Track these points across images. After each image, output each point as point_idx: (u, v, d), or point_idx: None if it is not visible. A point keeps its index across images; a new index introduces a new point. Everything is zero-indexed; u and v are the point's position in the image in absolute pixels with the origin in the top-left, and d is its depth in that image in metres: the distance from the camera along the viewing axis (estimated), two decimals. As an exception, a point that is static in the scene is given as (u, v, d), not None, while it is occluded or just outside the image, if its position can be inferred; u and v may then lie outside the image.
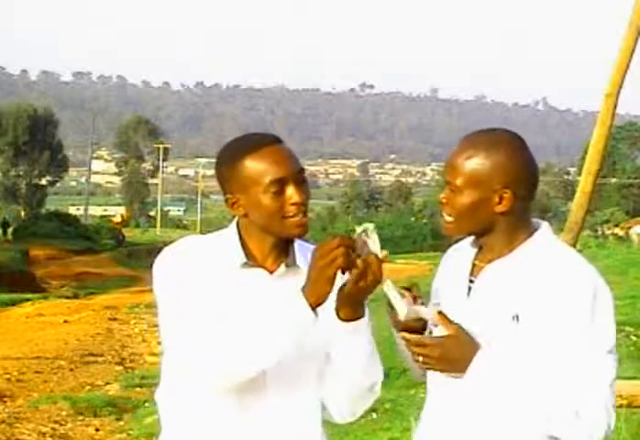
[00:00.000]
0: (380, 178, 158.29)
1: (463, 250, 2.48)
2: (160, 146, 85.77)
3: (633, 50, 7.04)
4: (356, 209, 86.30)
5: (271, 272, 2.34)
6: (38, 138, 73.66)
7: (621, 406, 6.48)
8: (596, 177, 7.30)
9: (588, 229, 41.48)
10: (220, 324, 2.22)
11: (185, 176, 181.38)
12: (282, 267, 2.34)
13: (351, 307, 2.24)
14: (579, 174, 9.25)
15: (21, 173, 75.73)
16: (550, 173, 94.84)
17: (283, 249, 2.36)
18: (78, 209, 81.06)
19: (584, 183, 7.32)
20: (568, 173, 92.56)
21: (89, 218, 68.55)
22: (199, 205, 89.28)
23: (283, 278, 2.34)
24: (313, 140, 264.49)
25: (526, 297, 2.27)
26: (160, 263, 2.36)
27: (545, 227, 2.39)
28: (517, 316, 2.25)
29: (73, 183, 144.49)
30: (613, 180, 66.87)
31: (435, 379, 2.37)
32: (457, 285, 2.41)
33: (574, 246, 7.49)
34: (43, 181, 77.02)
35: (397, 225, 57.92)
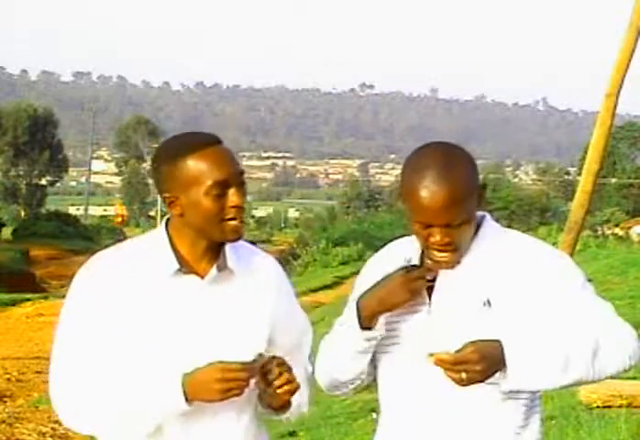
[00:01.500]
0: (380, 178, 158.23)
1: (400, 252, 2.41)
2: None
3: (633, 51, 7.05)
4: (356, 209, 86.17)
5: (203, 277, 2.31)
6: (38, 138, 73.65)
7: (621, 406, 6.49)
8: (596, 177, 7.31)
9: (588, 229, 41.43)
10: (95, 373, 2.23)
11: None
12: (214, 270, 2.30)
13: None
14: (579, 174, 9.25)
15: (21, 173, 75.71)
16: (550, 173, 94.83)
17: (215, 252, 2.32)
18: (78, 209, 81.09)
19: (584, 183, 7.33)
20: (568, 173, 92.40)
21: (89, 218, 68.54)
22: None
23: (216, 283, 2.31)
24: (313, 140, 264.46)
25: (493, 282, 2.24)
26: (75, 280, 2.32)
27: (488, 217, 2.36)
28: (488, 301, 2.23)
29: (73, 183, 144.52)
30: (613, 180, 66.81)
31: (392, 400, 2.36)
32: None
33: (574, 246, 7.50)
34: (43, 181, 77.01)
35: (397, 225, 57.94)
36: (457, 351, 2.10)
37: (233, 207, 2.25)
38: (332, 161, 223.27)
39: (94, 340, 2.26)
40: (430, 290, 2.30)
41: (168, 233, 2.33)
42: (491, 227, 2.33)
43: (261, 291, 2.38)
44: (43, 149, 74.64)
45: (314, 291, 31.33)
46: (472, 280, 2.26)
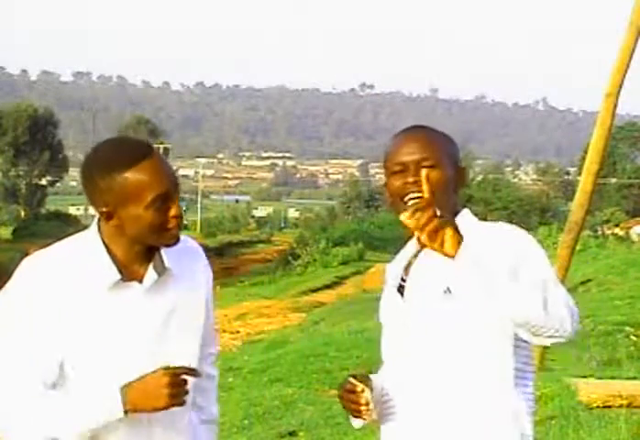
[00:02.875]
0: (380, 178, 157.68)
1: (406, 250, 2.51)
2: (160, 146, 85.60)
3: (633, 50, 7.05)
4: (356, 209, 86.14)
5: (141, 281, 2.27)
6: (38, 138, 73.61)
7: (621, 406, 6.48)
8: (596, 177, 7.31)
9: (588, 229, 41.43)
10: (26, 382, 2.18)
11: (185, 176, 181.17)
12: (153, 274, 2.28)
13: None
14: (579, 174, 9.26)
15: (21, 173, 75.67)
16: (550, 173, 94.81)
17: (150, 253, 2.30)
18: (78, 209, 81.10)
19: (584, 183, 7.33)
20: (568, 173, 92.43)
21: (89, 218, 68.55)
22: (199, 205, 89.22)
23: (155, 287, 2.29)
24: (313, 140, 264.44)
25: (454, 270, 2.23)
26: (13, 281, 2.26)
27: (465, 210, 2.43)
28: (448, 289, 2.29)
29: (73, 183, 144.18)
30: (613, 180, 66.82)
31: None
32: (390, 289, 2.46)
33: (574, 246, 7.50)
34: (43, 181, 76.97)
35: (397, 225, 57.88)
36: None
37: (174, 217, 2.24)
38: (332, 161, 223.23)
39: (25, 350, 2.20)
40: (403, 289, 2.40)
41: (102, 239, 2.28)
42: (464, 219, 2.38)
43: (198, 291, 2.40)
44: (43, 149, 74.60)
45: (314, 291, 31.32)
46: (435, 271, 2.32)
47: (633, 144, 73.35)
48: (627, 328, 11.21)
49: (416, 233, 2.16)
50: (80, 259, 2.26)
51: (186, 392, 2.20)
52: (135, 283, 2.27)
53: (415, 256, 2.43)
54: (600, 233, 47.33)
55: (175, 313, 2.32)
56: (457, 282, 2.24)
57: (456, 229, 2.15)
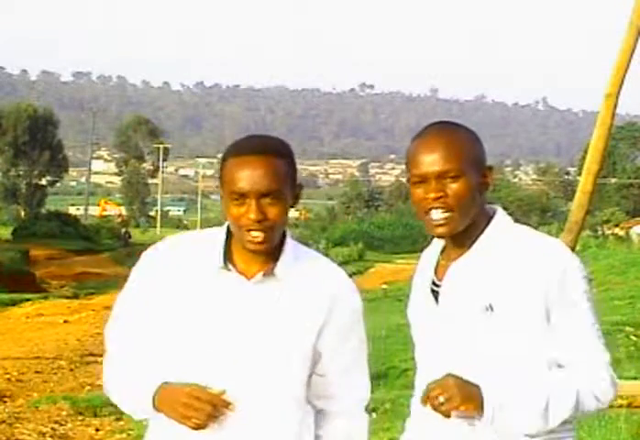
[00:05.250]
0: (380, 178, 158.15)
1: (434, 245, 2.44)
2: (160, 146, 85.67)
3: (633, 51, 7.04)
4: (356, 209, 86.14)
5: (249, 278, 2.29)
6: (38, 138, 73.61)
7: (621, 406, 6.49)
8: (596, 177, 7.30)
9: (588, 229, 41.44)
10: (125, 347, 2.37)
11: (185, 176, 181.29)
12: (259, 275, 2.29)
13: None
14: (579, 174, 9.26)
15: (21, 173, 75.68)
16: (550, 173, 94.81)
17: (269, 256, 2.29)
18: (78, 209, 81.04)
19: (584, 183, 7.32)
20: (568, 173, 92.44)
21: (89, 218, 68.52)
22: (199, 205, 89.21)
23: (262, 285, 2.29)
24: (313, 140, 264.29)
25: (496, 286, 2.23)
26: (141, 257, 2.42)
27: (500, 212, 2.35)
28: (490, 306, 2.23)
29: (73, 183, 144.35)
30: (613, 180, 66.82)
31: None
32: (423, 290, 2.38)
33: (574, 246, 7.49)
34: (43, 181, 76.96)
35: (397, 225, 57.87)
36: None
37: (249, 219, 2.22)
38: (332, 161, 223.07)
39: (138, 315, 2.36)
40: (437, 295, 2.32)
41: (229, 230, 2.33)
42: (501, 222, 2.33)
43: (312, 301, 2.30)
44: (43, 149, 74.61)
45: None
46: (475, 284, 2.26)
47: (633, 144, 73.33)
48: (627, 328, 11.21)
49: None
50: (203, 243, 2.34)
51: (203, 420, 2.17)
52: (241, 276, 2.29)
53: (442, 252, 2.38)
54: (600, 233, 47.35)
55: (275, 313, 2.28)
56: (499, 300, 2.22)
57: (466, 396, 2.17)
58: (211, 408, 2.17)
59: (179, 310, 2.29)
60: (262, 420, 2.27)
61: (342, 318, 2.33)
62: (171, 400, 2.20)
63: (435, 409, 2.18)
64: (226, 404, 2.19)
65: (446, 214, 2.24)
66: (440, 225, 2.25)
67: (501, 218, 2.33)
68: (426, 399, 2.19)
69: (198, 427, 2.18)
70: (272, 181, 2.21)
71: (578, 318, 2.24)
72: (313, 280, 2.31)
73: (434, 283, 2.35)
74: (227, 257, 2.30)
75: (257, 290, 2.28)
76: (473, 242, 2.30)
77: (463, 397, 2.16)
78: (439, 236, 2.31)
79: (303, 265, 2.31)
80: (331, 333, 2.32)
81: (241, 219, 2.22)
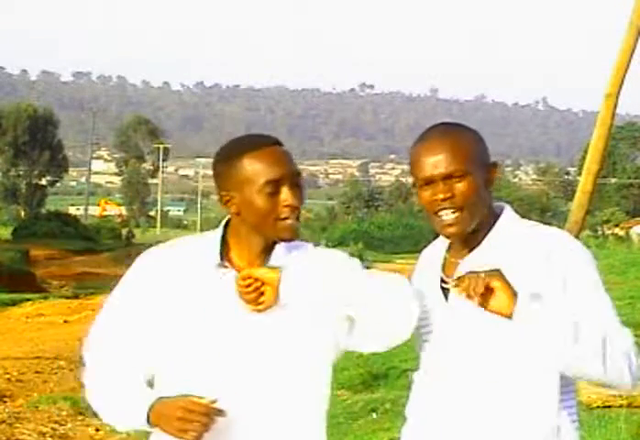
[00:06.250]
0: (380, 178, 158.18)
1: (436, 245, 2.45)
2: (160, 146, 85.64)
3: (633, 51, 7.04)
4: (356, 209, 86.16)
5: None
6: (38, 138, 73.63)
7: (621, 406, 6.49)
8: (596, 177, 7.30)
9: (588, 229, 41.46)
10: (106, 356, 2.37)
11: (185, 176, 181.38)
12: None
13: None
14: (579, 174, 9.26)
15: (21, 173, 75.72)
16: (550, 173, 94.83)
17: (269, 253, 2.32)
18: (78, 209, 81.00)
19: (584, 183, 7.32)
20: (568, 173, 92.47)
21: (89, 218, 68.50)
22: (199, 205, 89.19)
23: None
24: (313, 140, 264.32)
25: (509, 281, 2.22)
26: (135, 261, 2.42)
27: (508, 208, 2.37)
28: None
29: (73, 183, 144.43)
30: (613, 180, 66.87)
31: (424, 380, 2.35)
32: (432, 288, 2.36)
33: (574, 246, 7.47)
34: (43, 181, 76.99)
35: (397, 225, 57.87)
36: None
37: (286, 206, 2.26)
38: (332, 161, 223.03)
39: (129, 321, 2.36)
40: (447, 292, 2.31)
41: (225, 230, 2.34)
42: (509, 219, 2.34)
43: (313, 290, 2.26)
44: (43, 149, 74.65)
45: (315, 291, 31.25)
46: None
47: (633, 144, 73.39)
48: (627, 328, 11.21)
49: (467, 298, 2.15)
50: (198, 243, 2.36)
51: (200, 431, 2.16)
52: (236, 273, 2.28)
53: (448, 250, 2.37)
54: (600, 233, 47.40)
55: (279, 311, 2.26)
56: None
57: (506, 284, 2.13)
58: (206, 419, 2.16)
59: (174, 312, 2.29)
60: (279, 424, 2.27)
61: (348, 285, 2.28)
62: (165, 415, 2.19)
63: (466, 289, 2.12)
64: (220, 413, 2.18)
65: (456, 215, 2.26)
66: (450, 226, 2.27)
67: (509, 214, 2.35)
68: (461, 279, 2.14)
69: (196, 438, 2.18)
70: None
71: (596, 308, 2.23)
72: (309, 266, 2.30)
73: (442, 280, 2.35)
74: (224, 254, 2.32)
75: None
76: (482, 238, 2.31)
77: (504, 279, 2.13)
78: (450, 237, 2.32)
79: (298, 254, 2.34)
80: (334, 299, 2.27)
81: (278, 208, 2.27)
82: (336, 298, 2.22)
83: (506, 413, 2.24)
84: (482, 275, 2.13)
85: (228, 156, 2.30)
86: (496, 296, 2.13)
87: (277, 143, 2.32)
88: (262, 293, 2.22)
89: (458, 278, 2.16)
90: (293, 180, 2.30)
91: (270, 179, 2.25)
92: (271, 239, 2.31)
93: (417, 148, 2.32)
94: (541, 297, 2.16)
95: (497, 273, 2.14)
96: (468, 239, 2.31)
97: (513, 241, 2.29)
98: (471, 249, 2.31)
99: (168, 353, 2.29)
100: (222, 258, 2.30)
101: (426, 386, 2.35)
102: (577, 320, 2.16)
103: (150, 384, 2.35)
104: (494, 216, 2.33)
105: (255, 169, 2.26)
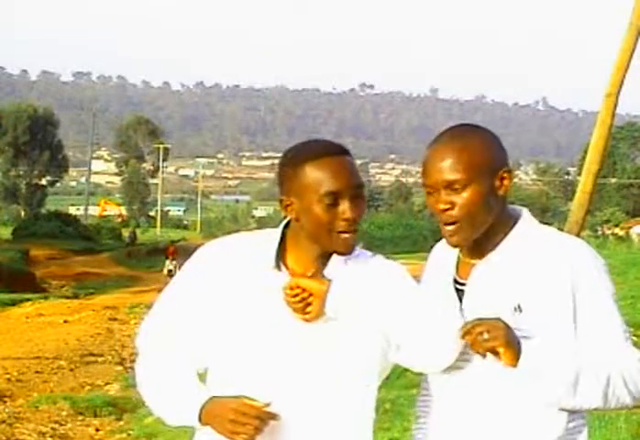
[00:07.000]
0: (380, 178, 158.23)
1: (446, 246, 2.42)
2: (160, 146, 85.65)
3: (633, 50, 7.04)
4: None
5: None
6: (38, 138, 73.67)
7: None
8: (596, 177, 7.30)
9: (588, 229, 41.43)
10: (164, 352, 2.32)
11: (185, 176, 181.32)
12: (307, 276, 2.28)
13: None
14: (579, 174, 9.25)
15: (21, 173, 75.74)
16: (550, 173, 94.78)
17: (326, 260, 2.29)
18: (78, 209, 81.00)
19: (584, 183, 7.32)
20: (568, 173, 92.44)
21: (89, 218, 68.49)
22: (199, 205, 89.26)
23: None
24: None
25: (525, 287, 2.23)
26: (193, 256, 2.38)
27: (526, 213, 2.36)
28: (519, 306, 2.22)
29: (73, 183, 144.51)
30: (613, 180, 66.84)
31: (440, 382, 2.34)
32: (446, 289, 2.35)
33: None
34: (43, 181, 77.01)
35: (397, 225, 57.88)
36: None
37: (344, 220, 2.22)
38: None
39: (184, 314, 2.32)
40: (461, 294, 2.31)
41: (284, 233, 2.32)
42: (527, 222, 2.33)
43: (361, 305, 2.23)
44: (43, 149, 74.67)
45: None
46: (503, 285, 2.26)
47: (633, 144, 73.35)
48: (627, 328, 11.22)
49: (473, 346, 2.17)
50: (255, 243, 2.32)
51: (252, 435, 2.14)
52: (289, 277, 2.27)
53: (461, 250, 2.36)
54: (600, 233, 47.37)
55: (325, 325, 2.25)
56: (528, 301, 2.21)
57: (509, 345, 2.14)
58: (258, 422, 2.15)
59: (228, 310, 2.27)
60: (327, 430, 2.26)
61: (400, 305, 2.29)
62: (218, 416, 2.18)
63: (472, 344, 2.16)
64: (273, 416, 2.17)
65: (454, 226, 2.26)
66: (451, 236, 2.28)
67: (527, 219, 2.34)
68: (467, 332, 2.16)
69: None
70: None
71: (606, 319, 2.23)
72: (361, 279, 2.27)
73: (456, 281, 2.34)
74: (281, 256, 2.30)
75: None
76: (500, 241, 2.30)
77: (508, 341, 2.14)
78: (454, 246, 2.32)
79: (354, 265, 2.30)
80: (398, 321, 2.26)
81: (336, 221, 2.24)
82: (381, 316, 2.21)
83: (521, 414, 2.25)
84: (486, 336, 2.14)
85: (292, 161, 2.27)
86: (501, 355, 2.16)
87: (343, 152, 2.27)
88: (309, 304, 2.21)
89: (465, 325, 2.18)
90: (355, 192, 2.23)
91: (330, 190, 2.21)
92: (327, 250, 2.27)
93: (427, 152, 2.31)
94: (548, 326, 2.20)
95: (501, 330, 2.15)
96: (482, 244, 2.30)
97: (531, 246, 2.28)
98: (487, 252, 2.30)
99: (220, 350, 2.28)
100: (278, 261, 2.29)
101: (441, 386, 2.34)
102: (580, 365, 2.17)
103: (201, 378, 2.33)
104: (512, 221, 2.32)
105: (316, 178, 2.22)
